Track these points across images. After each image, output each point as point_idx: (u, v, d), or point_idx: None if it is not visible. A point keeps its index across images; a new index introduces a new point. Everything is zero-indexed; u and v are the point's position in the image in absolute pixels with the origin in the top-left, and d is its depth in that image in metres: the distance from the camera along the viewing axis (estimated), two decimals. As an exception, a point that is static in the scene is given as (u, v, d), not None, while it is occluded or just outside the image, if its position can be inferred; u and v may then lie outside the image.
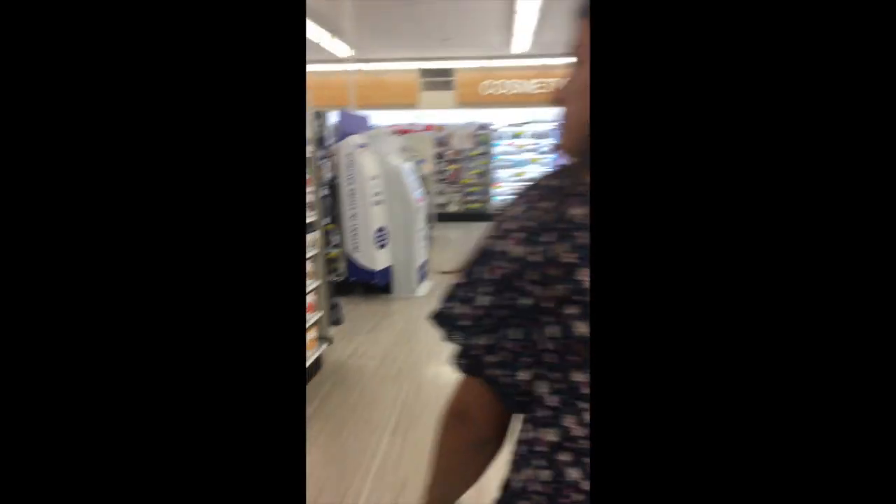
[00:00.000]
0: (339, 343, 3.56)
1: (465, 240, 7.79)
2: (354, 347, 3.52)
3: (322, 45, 7.31)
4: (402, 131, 7.99)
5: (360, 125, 4.83)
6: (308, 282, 2.82)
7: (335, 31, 7.07)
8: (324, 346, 3.03)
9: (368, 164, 4.44)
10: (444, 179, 9.58)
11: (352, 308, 4.40)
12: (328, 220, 2.98)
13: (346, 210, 4.44)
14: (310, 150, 2.81)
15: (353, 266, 4.56)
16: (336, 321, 3.09)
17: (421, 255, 4.92)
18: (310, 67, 9.50)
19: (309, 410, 2.67)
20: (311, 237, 2.82)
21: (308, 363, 2.82)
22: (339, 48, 7.64)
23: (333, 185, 4.45)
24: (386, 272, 4.70)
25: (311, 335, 2.86)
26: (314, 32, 6.73)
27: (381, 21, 6.76)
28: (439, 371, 3.16)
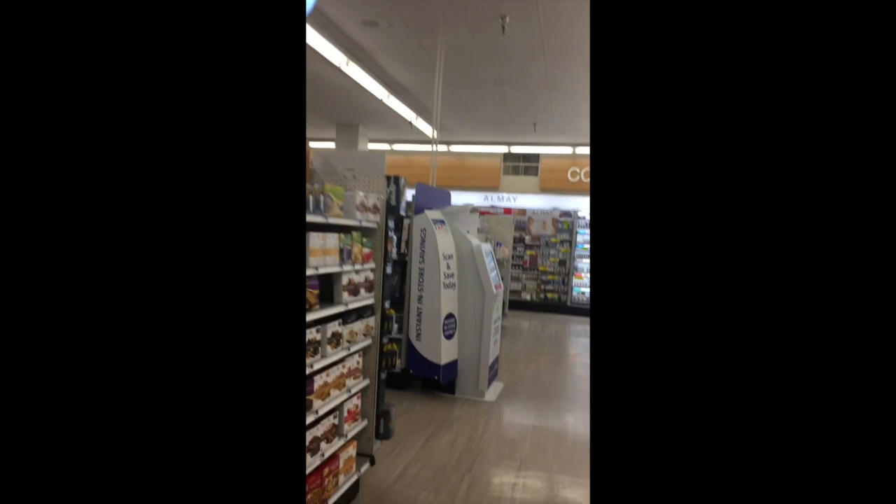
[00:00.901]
0: (385, 458, 2.86)
1: (539, 332, 6.97)
2: (403, 467, 2.79)
3: (412, 124, 7.34)
4: (483, 212, 7.65)
5: (440, 201, 4.43)
6: (355, 381, 2.22)
7: (422, 111, 7.08)
8: (364, 467, 2.35)
9: (444, 242, 3.96)
10: (520, 265, 8.99)
11: (406, 408, 3.72)
12: (388, 304, 2.42)
13: (413, 292, 3.93)
14: (377, 219, 2.34)
15: (413, 357, 3.94)
16: (384, 435, 2.42)
17: (493, 350, 4.22)
18: (395, 146, 9.72)
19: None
20: (363, 324, 2.26)
21: (344, 488, 2.14)
22: (426, 128, 7.64)
23: (402, 263, 4.00)
24: (451, 368, 4.02)
25: (348, 452, 2.21)
26: (404, 111, 6.74)
27: (468, 104, 6.67)
28: (510, 522, 2.34)
